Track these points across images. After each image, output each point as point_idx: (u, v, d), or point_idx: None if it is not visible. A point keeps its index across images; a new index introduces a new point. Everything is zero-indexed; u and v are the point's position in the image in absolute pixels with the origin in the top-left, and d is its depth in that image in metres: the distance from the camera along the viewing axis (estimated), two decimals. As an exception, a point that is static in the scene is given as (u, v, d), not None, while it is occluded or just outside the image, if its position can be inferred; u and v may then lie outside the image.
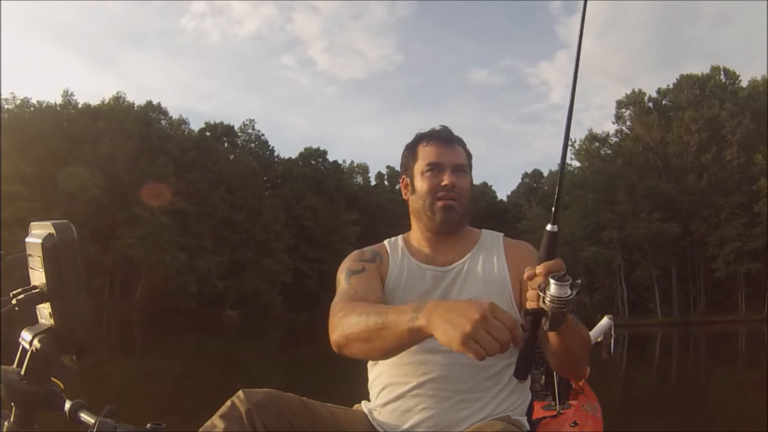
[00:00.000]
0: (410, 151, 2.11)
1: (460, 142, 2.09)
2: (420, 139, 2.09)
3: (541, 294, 1.39)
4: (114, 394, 9.37)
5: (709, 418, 9.50)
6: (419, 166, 2.04)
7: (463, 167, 2.05)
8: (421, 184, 2.03)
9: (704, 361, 23.57)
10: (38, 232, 1.26)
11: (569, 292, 1.37)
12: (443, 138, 2.06)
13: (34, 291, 1.26)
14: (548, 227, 1.46)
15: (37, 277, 1.29)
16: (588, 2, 1.42)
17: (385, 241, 2.18)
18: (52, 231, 1.23)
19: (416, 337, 1.48)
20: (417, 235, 2.11)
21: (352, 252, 2.12)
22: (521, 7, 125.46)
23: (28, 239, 1.30)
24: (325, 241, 66.27)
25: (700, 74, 60.76)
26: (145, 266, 54.28)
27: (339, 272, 2.02)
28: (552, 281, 1.37)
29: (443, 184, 1.99)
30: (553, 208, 1.47)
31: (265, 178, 71.42)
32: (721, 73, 60.58)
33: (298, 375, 13.49)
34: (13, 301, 1.24)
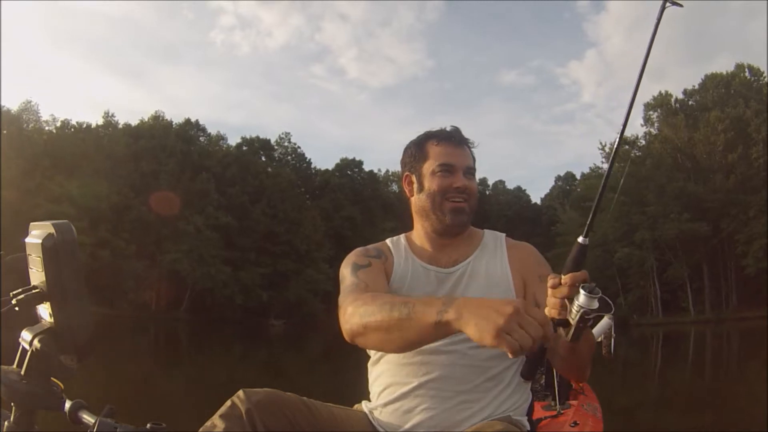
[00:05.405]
0: (418, 149, 2.06)
1: (469, 144, 2.06)
2: (430, 137, 2.05)
3: (568, 304, 1.39)
4: (157, 401, 9.71)
5: (741, 416, 9.34)
6: (429, 166, 2.00)
7: (473, 170, 2.03)
8: (430, 183, 1.99)
9: (736, 357, 23.60)
10: (38, 233, 1.27)
11: (597, 305, 1.35)
12: (456, 139, 2.03)
13: (34, 291, 1.28)
14: (580, 239, 1.47)
15: (37, 277, 1.29)
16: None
17: (387, 240, 2.15)
18: (52, 231, 1.24)
19: (442, 331, 1.44)
20: (420, 234, 2.08)
21: (355, 249, 2.07)
22: (548, 6, 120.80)
23: (28, 239, 1.31)
24: (364, 250, 65.61)
25: (724, 73, 60.41)
26: (190, 279, 55.21)
27: (343, 267, 1.98)
28: (582, 292, 1.35)
29: (456, 186, 1.96)
30: (588, 221, 1.49)
31: (303, 190, 71.89)
32: (746, 70, 59.98)
33: (342, 381, 12.88)
34: (13, 301, 1.26)
